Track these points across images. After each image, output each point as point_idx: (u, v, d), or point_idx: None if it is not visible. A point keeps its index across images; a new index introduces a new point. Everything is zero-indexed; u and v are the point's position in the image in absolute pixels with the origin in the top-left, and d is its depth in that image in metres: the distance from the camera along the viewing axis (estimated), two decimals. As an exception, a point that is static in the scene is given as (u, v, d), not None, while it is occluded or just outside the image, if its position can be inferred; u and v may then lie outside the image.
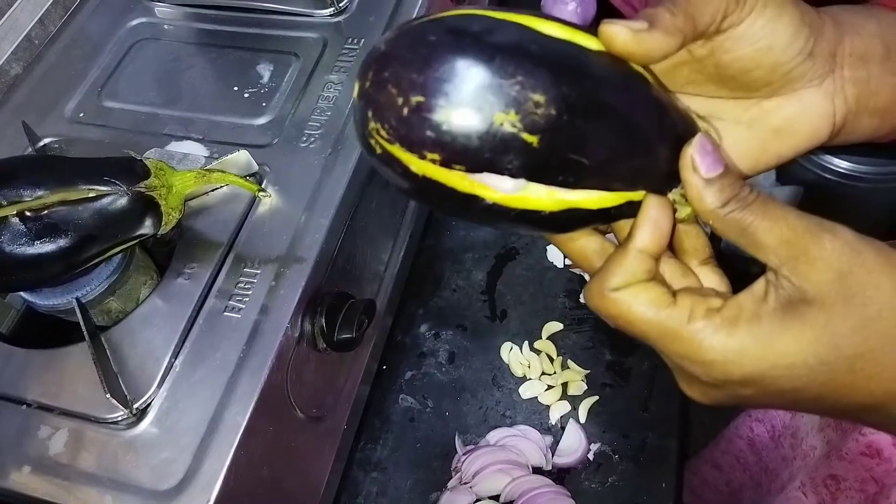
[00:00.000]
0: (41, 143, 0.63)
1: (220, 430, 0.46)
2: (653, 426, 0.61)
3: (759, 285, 0.30)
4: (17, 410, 0.49)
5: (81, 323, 0.50)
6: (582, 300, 0.67)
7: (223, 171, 0.53)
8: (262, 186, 0.55)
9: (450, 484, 0.58)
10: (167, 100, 0.66)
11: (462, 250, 0.72)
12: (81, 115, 0.66)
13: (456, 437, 0.61)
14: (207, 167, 0.54)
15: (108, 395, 0.46)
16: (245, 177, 0.56)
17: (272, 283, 0.52)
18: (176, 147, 0.62)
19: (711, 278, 0.33)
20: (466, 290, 0.70)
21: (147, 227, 0.50)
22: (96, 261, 0.50)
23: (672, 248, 0.34)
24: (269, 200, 0.56)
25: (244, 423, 0.46)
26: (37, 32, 0.70)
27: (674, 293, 0.31)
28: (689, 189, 0.31)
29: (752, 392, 0.30)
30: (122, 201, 0.49)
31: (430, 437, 0.62)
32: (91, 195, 0.48)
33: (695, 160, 0.30)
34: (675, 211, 0.32)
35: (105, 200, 0.48)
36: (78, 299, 0.51)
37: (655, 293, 0.30)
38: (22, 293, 0.53)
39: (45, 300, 0.52)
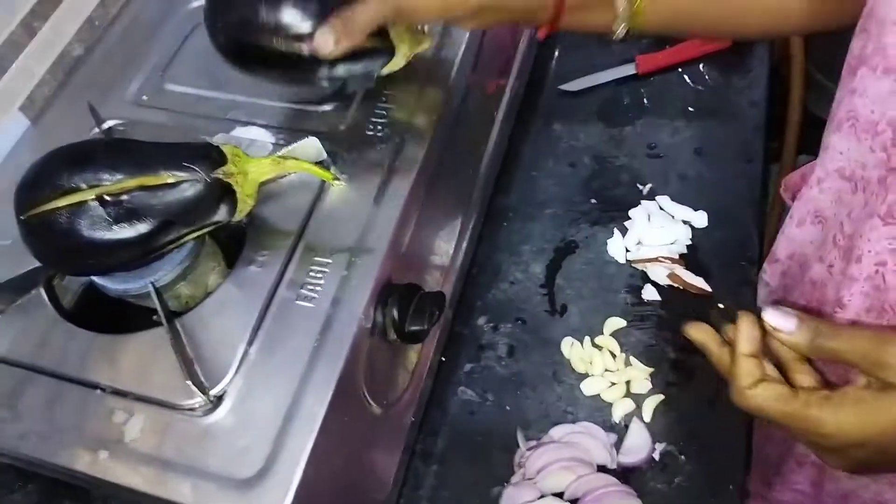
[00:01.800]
0: (106, 126, 0.63)
1: (298, 420, 0.47)
2: (720, 427, 0.60)
3: (860, 380, 0.42)
4: (91, 395, 0.50)
5: (158, 308, 0.50)
6: (644, 297, 0.67)
7: (297, 159, 0.54)
8: (335, 175, 0.55)
9: (513, 479, 0.58)
10: (230, 84, 0.66)
11: (520, 242, 0.72)
12: (144, 97, 0.66)
13: (517, 432, 0.61)
14: (280, 154, 0.54)
15: (188, 382, 0.47)
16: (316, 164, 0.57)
17: (344, 273, 0.53)
18: (241, 133, 0.63)
19: (805, 369, 0.45)
20: (525, 284, 0.70)
21: (222, 214, 0.51)
22: (171, 247, 0.50)
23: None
24: (338, 189, 0.56)
25: (322, 414, 0.47)
26: (98, 14, 0.71)
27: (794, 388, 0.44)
28: (781, 339, 0.44)
29: (866, 454, 0.42)
30: (201, 188, 0.49)
31: (490, 431, 0.62)
32: (170, 181, 0.49)
33: (777, 326, 0.44)
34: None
35: (183, 186, 0.49)
36: (154, 285, 0.52)
37: (780, 390, 0.43)
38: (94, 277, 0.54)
39: (118, 284, 0.53)
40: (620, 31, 0.57)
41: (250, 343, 0.50)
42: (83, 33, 0.70)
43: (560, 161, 0.77)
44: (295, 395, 0.48)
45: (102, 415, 0.49)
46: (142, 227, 0.48)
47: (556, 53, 0.87)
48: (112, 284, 0.53)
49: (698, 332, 0.48)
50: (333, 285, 0.52)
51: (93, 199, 0.47)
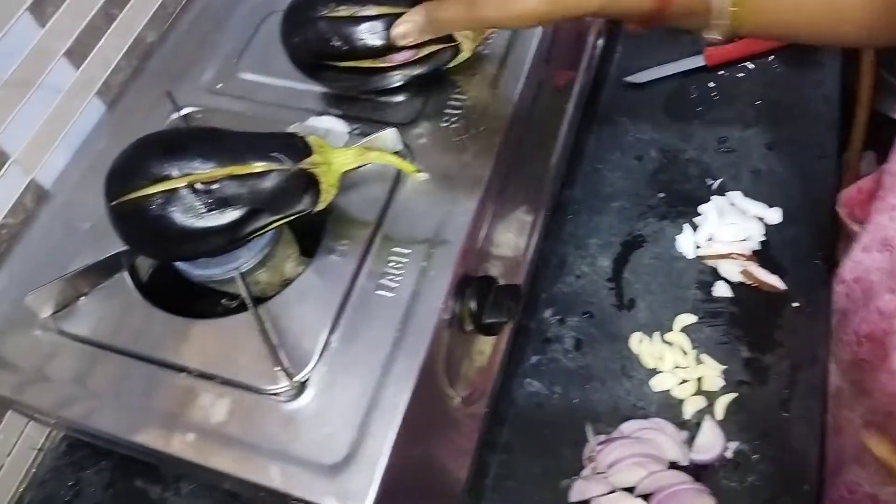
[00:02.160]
0: (183, 113, 0.65)
1: (381, 408, 0.48)
2: (793, 427, 0.60)
3: None
4: (177, 378, 0.51)
5: (245, 295, 0.51)
6: (715, 293, 0.67)
7: (381, 150, 0.54)
8: (417, 168, 0.55)
9: (583, 473, 0.59)
10: (301, 74, 0.67)
11: (586, 235, 0.72)
12: (219, 86, 0.67)
13: (586, 426, 0.61)
14: (362, 145, 0.55)
15: (277, 368, 0.48)
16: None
17: (423, 264, 0.53)
18: (316, 122, 0.63)
19: None
20: (591, 277, 0.70)
21: (306, 203, 0.51)
22: (256, 235, 0.51)
23: None
24: (415, 180, 0.56)
25: (405, 404, 0.47)
26: (170, 0, 0.72)
27: None
28: None
29: None
30: (287, 178, 0.50)
31: (557, 423, 0.62)
32: (258, 170, 0.50)
33: None
34: None
35: (271, 176, 0.50)
36: (241, 272, 0.53)
37: None
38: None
39: (201, 270, 0.54)
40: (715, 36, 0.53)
41: (332, 331, 0.51)
42: (156, 20, 0.71)
43: (626, 154, 0.77)
44: (377, 384, 0.48)
45: (189, 398, 0.50)
46: (231, 215, 0.49)
47: (620, 45, 0.87)
48: (195, 270, 0.54)
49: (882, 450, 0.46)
50: (413, 276, 0.52)
51: (185, 187, 0.48)
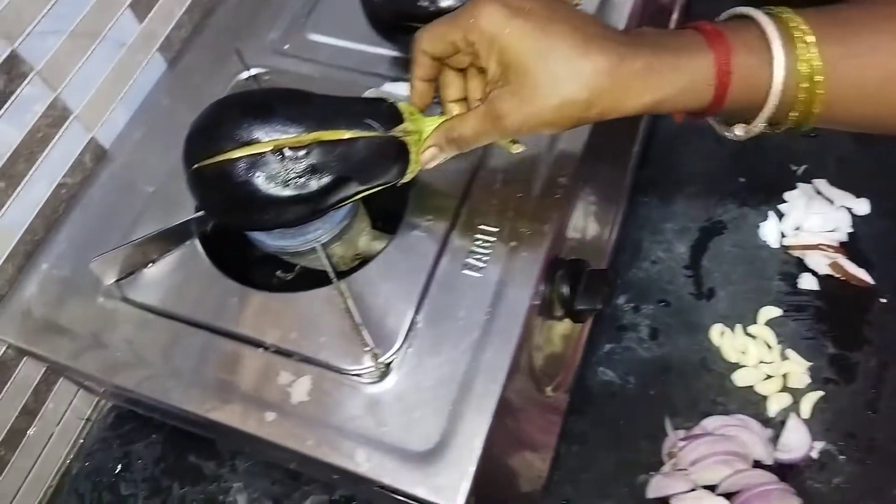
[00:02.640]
0: (252, 73, 0.62)
1: (472, 395, 0.45)
2: (882, 428, 0.58)
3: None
4: (254, 353, 0.49)
5: (329, 269, 0.49)
6: (800, 285, 0.64)
7: None
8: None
9: (663, 468, 0.57)
10: (375, 38, 0.63)
11: (661, 220, 0.69)
12: (286, 46, 0.64)
13: (666, 420, 0.59)
14: (455, 115, 0.52)
15: (367, 348, 0.46)
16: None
17: (513, 243, 0.51)
18: (391, 88, 0.60)
19: None
20: (668, 263, 0.67)
21: (394, 174, 0.48)
22: (341, 205, 0.48)
23: None
24: (501, 153, 0.53)
25: (498, 392, 0.45)
26: (233, -46, 0.69)
27: None
28: None
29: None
30: (378, 145, 0.47)
31: (634, 416, 0.60)
32: (348, 136, 0.47)
33: None
34: None
35: (362, 143, 0.47)
36: (322, 244, 0.50)
37: None
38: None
39: (275, 240, 0.52)
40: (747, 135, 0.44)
41: (417, 311, 0.48)
42: (220, -26, 0.68)
43: (704, 136, 0.74)
44: (467, 369, 0.46)
45: (267, 374, 0.48)
46: (317, 184, 0.46)
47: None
48: (270, 240, 0.52)
49: None
50: (501, 256, 0.50)
51: (271, 152, 0.45)
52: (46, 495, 0.64)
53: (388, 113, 0.48)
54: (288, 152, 0.45)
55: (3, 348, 0.55)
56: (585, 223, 0.58)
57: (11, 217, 0.53)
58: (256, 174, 0.45)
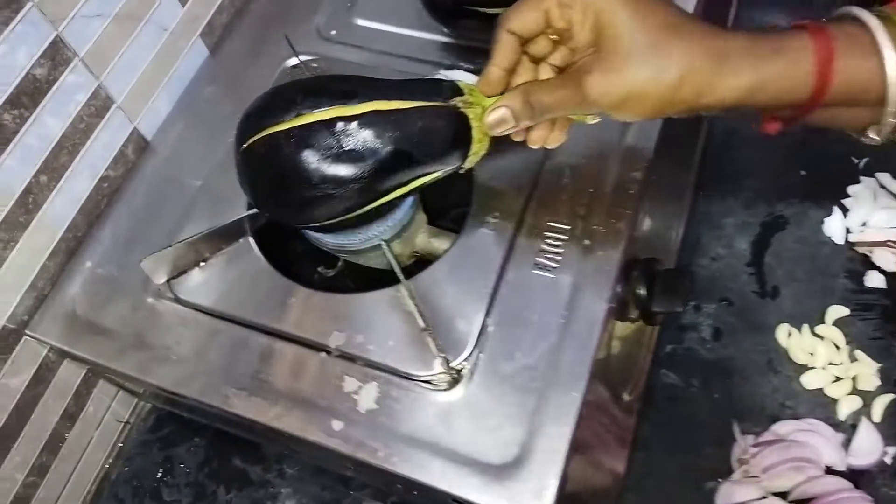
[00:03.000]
0: (300, 61, 0.59)
1: (552, 403, 0.43)
2: (958, 434, 0.56)
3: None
4: (317, 358, 0.47)
5: (396, 268, 0.47)
6: (867, 283, 0.62)
7: None
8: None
9: (734, 476, 0.55)
10: (424, 23, 0.61)
11: (720, 214, 0.67)
12: (333, 32, 0.61)
13: (734, 425, 0.57)
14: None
15: (441, 355, 0.43)
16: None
17: (586, 241, 0.48)
18: (447, 76, 0.58)
19: None
20: (729, 260, 0.65)
21: (455, 158, 0.45)
22: (400, 191, 0.45)
23: None
24: (570, 144, 0.49)
25: (579, 401, 0.43)
26: (274, -65, 0.66)
27: None
28: None
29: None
30: (437, 115, 0.44)
31: (698, 420, 0.59)
32: (404, 107, 0.44)
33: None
34: None
35: (418, 112, 0.43)
36: (385, 241, 0.48)
37: None
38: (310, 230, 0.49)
39: (336, 238, 0.49)
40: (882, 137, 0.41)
41: (488, 314, 0.46)
42: (260, -44, 0.65)
43: (762, 125, 0.71)
44: (544, 377, 0.44)
45: (331, 381, 0.45)
46: (373, 160, 0.42)
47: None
48: (330, 237, 0.49)
49: None
50: (574, 255, 0.48)
51: (323, 122, 0.41)
52: (86, 501, 0.62)
53: (448, 87, 0.45)
54: (340, 124, 0.42)
55: (45, 351, 0.53)
56: (655, 220, 0.55)
57: (54, 212, 0.51)
58: (306, 147, 0.41)
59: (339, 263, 0.58)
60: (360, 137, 0.42)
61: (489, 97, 0.44)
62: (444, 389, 0.45)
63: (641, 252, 0.51)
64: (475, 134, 0.45)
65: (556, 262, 0.48)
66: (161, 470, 0.62)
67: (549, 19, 0.40)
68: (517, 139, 0.43)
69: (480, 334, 0.46)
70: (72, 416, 0.58)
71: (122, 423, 0.64)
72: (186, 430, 0.64)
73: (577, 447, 0.43)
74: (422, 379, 0.45)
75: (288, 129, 0.41)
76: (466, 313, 0.46)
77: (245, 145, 0.43)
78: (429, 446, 0.43)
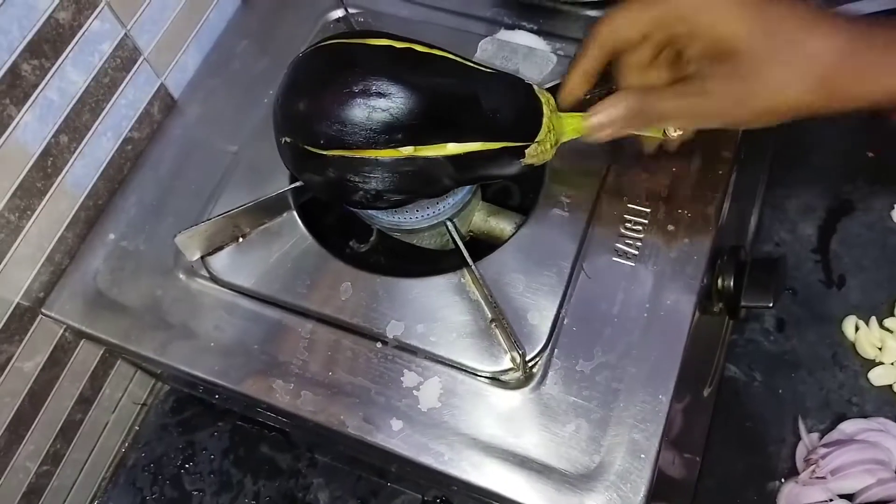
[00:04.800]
0: (344, 14, 0.53)
1: (635, 405, 0.39)
2: None
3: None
4: (373, 348, 0.42)
5: (464, 251, 0.42)
6: (941, 276, 0.59)
7: None
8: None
9: (801, 476, 0.52)
10: (481, -26, 0.55)
11: (784, 196, 0.63)
12: (380, -17, 0.56)
13: (800, 423, 0.54)
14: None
15: (518, 352, 0.39)
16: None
17: (669, 227, 0.44)
18: (509, 37, 0.52)
19: None
20: (793, 246, 0.61)
21: (518, 134, 0.39)
22: (450, 148, 0.38)
23: None
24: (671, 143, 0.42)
25: (668, 402, 0.39)
26: None
27: None
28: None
29: None
30: (512, 83, 0.40)
31: (761, 416, 0.55)
32: (482, 68, 0.40)
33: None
34: None
35: (492, 79, 0.40)
36: (450, 218, 0.43)
37: None
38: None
39: (391, 216, 0.45)
40: None
41: (562, 305, 0.42)
42: None
43: (826, 102, 0.67)
44: (627, 376, 0.40)
45: (389, 375, 0.41)
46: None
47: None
48: (384, 215, 0.45)
49: None
50: (657, 241, 0.43)
51: (395, 49, 0.37)
52: (101, 488, 0.58)
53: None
54: (411, 53, 0.38)
55: (61, 331, 0.48)
56: (739, 205, 0.51)
57: (73, 177, 0.46)
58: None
59: (372, 238, 0.53)
60: (430, 69, 0.39)
61: (564, 115, 0.41)
62: (515, 388, 0.41)
63: (726, 240, 0.48)
64: (543, 128, 0.41)
65: (637, 248, 0.44)
66: (182, 456, 0.58)
67: (648, 36, 0.36)
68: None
69: (554, 328, 0.42)
70: (87, 400, 0.53)
71: (139, 406, 0.60)
72: (209, 414, 0.60)
73: (664, 454, 0.39)
74: (489, 375, 0.41)
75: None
76: (539, 304, 0.42)
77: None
78: (498, 451, 0.39)
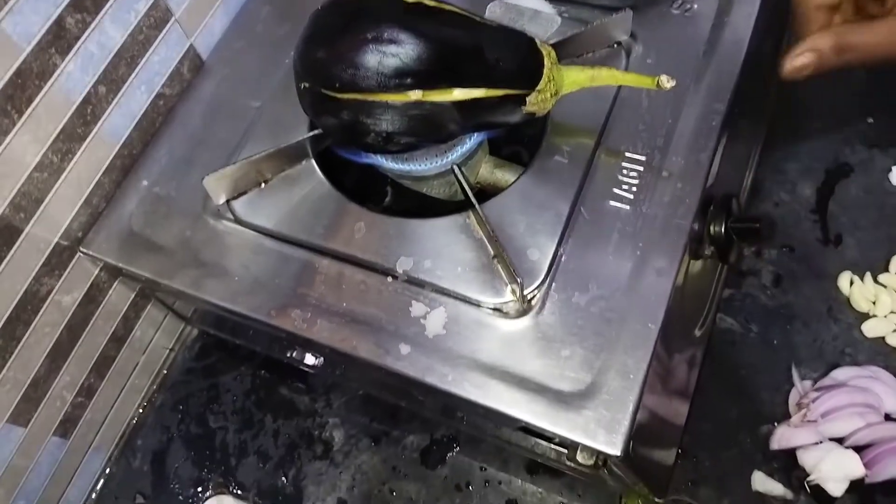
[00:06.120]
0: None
1: (627, 332, 0.42)
2: None
3: None
4: (384, 282, 0.46)
5: (469, 192, 0.46)
6: (934, 234, 0.61)
7: (613, 70, 0.46)
8: (659, 77, 0.44)
9: (792, 420, 0.55)
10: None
11: (784, 159, 0.66)
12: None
13: (793, 369, 0.57)
14: (590, 65, 0.47)
15: (515, 283, 0.43)
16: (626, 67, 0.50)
17: (664, 173, 0.47)
18: (517, 0, 0.56)
19: None
20: (792, 206, 0.64)
21: (520, 81, 0.43)
22: (454, 94, 0.42)
23: None
24: (662, 88, 0.44)
25: (657, 332, 0.42)
26: None
27: None
28: None
29: None
30: (515, 39, 0.44)
31: (755, 365, 0.58)
32: (477, 18, 0.43)
33: None
34: None
35: (497, 31, 0.43)
36: (458, 166, 0.47)
37: None
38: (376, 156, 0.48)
39: (402, 164, 0.48)
40: None
41: (560, 243, 0.46)
42: None
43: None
44: (620, 307, 0.43)
45: (399, 305, 0.45)
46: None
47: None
48: (395, 163, 0.48)
49: None
50: (652, 186, 0.46)
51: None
52: (131, 425, 0.62)
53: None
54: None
55: (97, 270, 0.53)
56: (732, 160, 0.54)
57: (110, 126, 0.50)
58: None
59: (388, 199, 0.57)
60: (438, 20, 0.42)
61: (567, 68, 0.45)
62: (514, 317, 0.44)
63: (718, 188, 0.50)
64: (544, 78, 0.44)
65: (633, 192, 0.47)
66: (207, 397, 0.63)
67: None
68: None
69: (552, 264, 0.45)
70: (120, 339, 0.58)
71: (167, 350, 0.64)
72: (232, 360, 0.64)
73: (651, 380, 0.43)
74: (491, 306, 0.44)
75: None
76: (539, 243, 0.45)
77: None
78: (498, 373, 0.43)
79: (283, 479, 0.59)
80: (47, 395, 0.52)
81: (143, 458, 0.61)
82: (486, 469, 0.57)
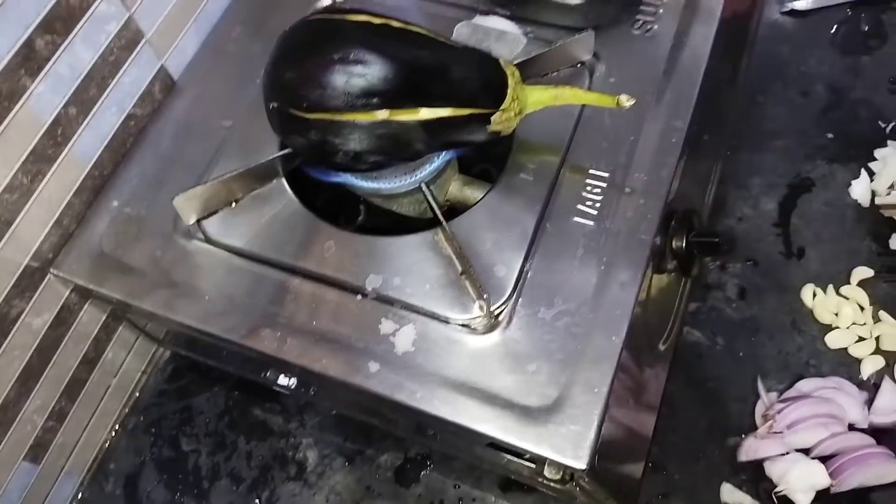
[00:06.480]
0: (331, 1, 0.58)
1: (592, 347, 0.43)
2: (980, 394, 0.57)
3: None
4: (353, 300, 0.46)
5: (436, 210, 0.46)
6: (892, 245, 0.63)
7: (576, 89, 0.48)
8: (619, 97, 0.46)
9: (759, 431, 0.56)
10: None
11: (747, 174, 0.67)
12: (363, -29, 0.61)
13: (759, 381, 0.58)
14: (553, 84, 0.48)
15: (482, 298, 0.43)
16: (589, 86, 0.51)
17: (627, 189, 0.48)
18: (484, 22, 0.57)
19: None
20: (755, 221, 0.65)
21: (484, 99, 0.44)
22: (420, 113, 0.43)
23: None
24: (621, 107, 0.47)
25: (619, 345, 0.43)
26: None
27: None
28: None
29: None
30: (478, 56, 0.45)
31: (722, 377, 0.59)
32: (443, 39, 0.45)
33: None
34: None
35: (462, 52, 0.45)
36: (426, 183, 0.48)
37: None
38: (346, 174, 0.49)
39: (371, 182, 0.49)
40: None
41: (526, 259, 0.46)
42: None
43: (789, 87, 0.71)
44: (585, 322, 0.44)
45: (368, 323, 0.46)
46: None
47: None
48: (364, 182, 0.49)
49: None
50: (615, 202, 0.48)
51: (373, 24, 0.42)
52: (103, 449, 0.62)
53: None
54: (388, 29, 0.43)
55: (68, 291, 0.53)
56: (693, 176, 0.55)
57: (81, 147, 0.50)
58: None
59: (360, 218, 0.57)
60: (405, 41, 0.44)
61: (530, 87, 0.46)
62: (482, 333, 0.45)
63: (679, 204, 0.52)
64: (508, 97, 0.45)
65: (597, 208, 0.48)
66: (179, 419, 0.62)
67: None
68: None
69: (519, 279, 0.46)
70: (91, 362, 0.57)
71: (139, 373, 0.63)
72: (205, 381, 0.64)
73: (616, 394, 0.43)
74: (459, 322, 0.45)
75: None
76: (505, 259, 0.46)
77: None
78: (466, 389, 0.43)
79: (257, 501, 0.58)
80: (17, 419, 0.51)
81: (115, 482, 0.61)
82: (459, 486, 0.58)
